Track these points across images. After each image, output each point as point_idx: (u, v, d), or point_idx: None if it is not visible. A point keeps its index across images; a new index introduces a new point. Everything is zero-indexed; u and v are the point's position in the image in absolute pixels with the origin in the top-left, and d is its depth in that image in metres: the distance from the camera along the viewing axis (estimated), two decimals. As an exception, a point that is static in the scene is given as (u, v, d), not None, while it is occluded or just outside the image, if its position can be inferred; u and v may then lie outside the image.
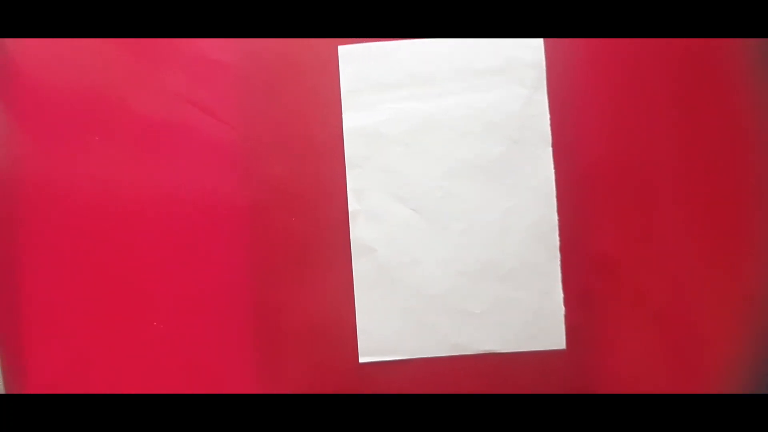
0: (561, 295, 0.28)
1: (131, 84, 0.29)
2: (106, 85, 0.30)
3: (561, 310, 0.28)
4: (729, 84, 0.29)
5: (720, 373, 0.28)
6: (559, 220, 0.28)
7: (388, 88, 0.29)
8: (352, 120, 0.29)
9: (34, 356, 0.29)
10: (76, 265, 0.29)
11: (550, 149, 0.28)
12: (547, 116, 0.29)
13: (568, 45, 0.29)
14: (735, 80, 0.29)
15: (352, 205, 0.29)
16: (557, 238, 0.28)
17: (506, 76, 0.29)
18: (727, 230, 0.29)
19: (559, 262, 0.28)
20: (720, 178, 0.29)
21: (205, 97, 0.29)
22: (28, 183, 0.30)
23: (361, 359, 0.29)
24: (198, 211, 0.29)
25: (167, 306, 0.29)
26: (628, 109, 0.29)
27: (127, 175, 0.29)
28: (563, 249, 0.28)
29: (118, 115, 0.29)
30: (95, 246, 0.29)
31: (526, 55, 0.29)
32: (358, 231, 0.29)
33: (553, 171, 0.28)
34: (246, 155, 0.29)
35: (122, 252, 0.29)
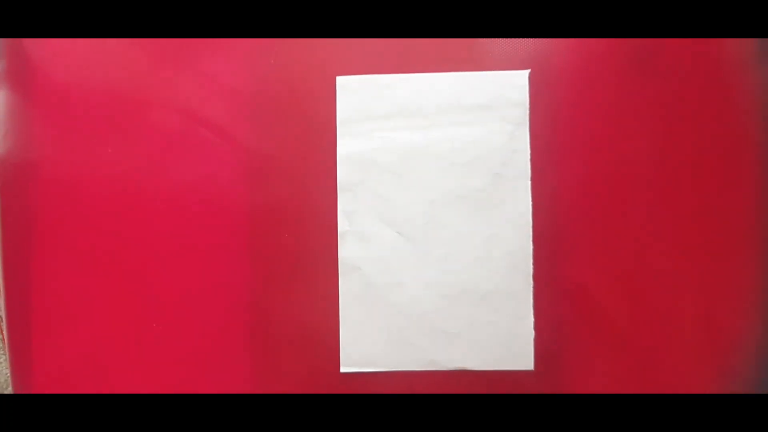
0: (532, 319, 0.30)
1: (150, 96, 0.32)
2: (124, 94, 0.32)
3: (531, 333, 0.30)
4: (709, 123, 0.31)
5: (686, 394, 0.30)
6: (534, 250, 0.30)
7: (381, 118, 0.31)
8: (345, 146, 0.31)
9: (32, 358, 0.32)
10: (83, 269, 0.31)
11: (529, 183, 0.31)
12: (528, 152, 0.31)
13: (551, 85, 0.31)
14: (716, 120, 0.31)
15: (342, 225, 0.31)
16: (531, 266, 0.30)
17: (492, 112, 0.31)
18: (698, 262, 0.30)
19: (532, 289, 0.30)
20: (693, 218, 0.31)
21: (215, 117, 0.31)
22: (39, 186, 0.32)
23: (343, 369, 0.31)
24: (200, 221, 0.31)
25: (170, 314, 0.31)
26: (604, 147, 0.31)
27: (135, 184, 0.31)
28: (537, 277, 0.30)
29: (133, 124, 0.32)
30: (102, 252, 0.31)
31: (511, 94, 0.31)
32: (346, 250, 0.31)
33: (530, 204, 0.30)
34: (248, 173, 0.31)
35: (128, 259, 0.31)
